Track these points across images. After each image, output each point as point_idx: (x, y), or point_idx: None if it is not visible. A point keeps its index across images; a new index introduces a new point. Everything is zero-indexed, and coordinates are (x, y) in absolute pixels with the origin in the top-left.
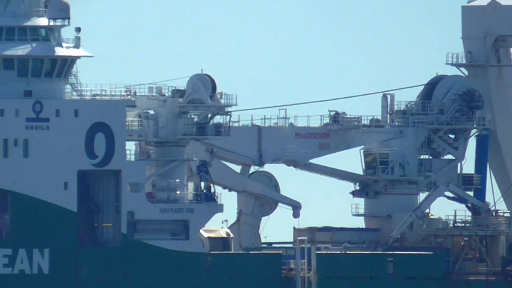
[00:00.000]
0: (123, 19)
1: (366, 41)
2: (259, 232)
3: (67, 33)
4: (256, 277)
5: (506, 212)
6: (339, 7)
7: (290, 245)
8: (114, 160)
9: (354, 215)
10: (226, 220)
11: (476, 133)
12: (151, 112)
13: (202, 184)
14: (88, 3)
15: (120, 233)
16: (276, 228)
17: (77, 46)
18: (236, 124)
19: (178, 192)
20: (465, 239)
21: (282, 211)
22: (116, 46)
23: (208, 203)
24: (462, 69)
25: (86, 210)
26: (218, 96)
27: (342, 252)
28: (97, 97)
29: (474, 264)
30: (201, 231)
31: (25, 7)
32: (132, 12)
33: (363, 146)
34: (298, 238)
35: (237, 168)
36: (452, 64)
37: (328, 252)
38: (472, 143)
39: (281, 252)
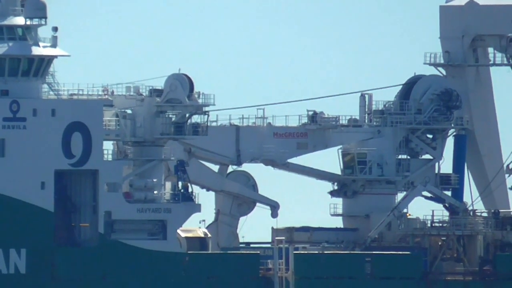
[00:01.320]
0: (100, 19)
1: (344, 41)
2: (237, 232)
3: (44, 32)
4: (234, 277)
5: (484, 212)
6: (316, 7)
7: (268, 245)
8: (91, 159)
9: (332, 215)
10: (204, 220)
11: (454, 133)
12: (129, 111)
13: (180, 183)
14: (65, 3)
15: (97, 233)
16: (254, 228)
17: (54, 45)
18: (214, 124)
19: (155, 192)
20: (443, 239)
21: (260, 211)
22: (93, 46)
23: (185, 203)
24: (440, 69)
25: (63, 210)
26: (196, 95)
27: (320, 252)
28: (74, 97)
29: (451, 264)
30: (178, 231)
31: (1, 6)
32: (109, 11)
33: (341, 146)
34: (276, 238)
35: (215, 168)
36: (430, 64)
37: (306, 252)
38: (450, 143)
39: (259, 252)
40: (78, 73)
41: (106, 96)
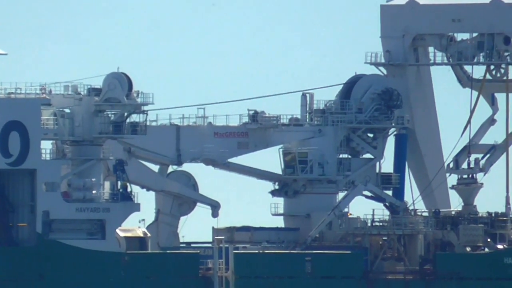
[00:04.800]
0: (37, 16)
1: (285, 40)
2: (178, 231)
3: None
4: (173, 277)
5: (424, 211)
6: (257, 6)
7: (209, 245)
8: (29, 159)
9: (273, 214)
10: (143, 220)
11: (395, 132)
12: (67, 110)
13: (119, 183)
14: (1, 0)
15: (35, 232)
16: (195, 228)
17: None
18: (154, 124)
19: (94, 192)
20: (384, 238)
21: (201, 211)
22: (30, 44)
23: (124, 202)
24: (381, 68)
25: (0, 210)
26: (135, 94)
27: (260, 251)
28: (12, 96)
29: (392, 263)
30: (117, 230)
31: None
32: (46, 9)
33: (282, 145)
34: (216, 237)
35: (155, 168)
36: (370, 63)
37: (246, 251)
38: (391, 142)
39: (198, 251)
40: (16, 71)
41: (44, 95)
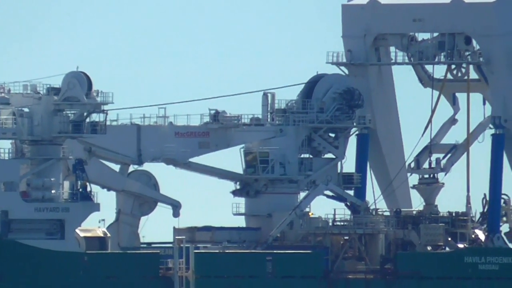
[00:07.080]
0: None
1: (246, 39)
2: (138, 231)
3: None
4: (134, 277)
5: (386, 211)
6: (218, 4)
7: (170, 245)
8: None
9: (234, 214)
10: (103, 220)
11: (357, 132)
12: (26, 110)
13: (79, 183)
14: None
15: None
16: (156, 228)
17: None
18: (114, 123)
19: (53, 191)
20: (345, 238)
21: (162, 211)
22: None
23: (84, 202)
24: (343, 67)
25: None
26: (94, 94)
27: (221, 251)
28: None
29: (353, 262)
30: (77, 230)
31: None
32: (4, 7)
33: (243, 145)
34: (176, 237)
35: (116, 167)
36: (332, 63)
37: (206, 251)
38: (352, 142)
39: (159, 251)
40: None
41: (3, 94)
